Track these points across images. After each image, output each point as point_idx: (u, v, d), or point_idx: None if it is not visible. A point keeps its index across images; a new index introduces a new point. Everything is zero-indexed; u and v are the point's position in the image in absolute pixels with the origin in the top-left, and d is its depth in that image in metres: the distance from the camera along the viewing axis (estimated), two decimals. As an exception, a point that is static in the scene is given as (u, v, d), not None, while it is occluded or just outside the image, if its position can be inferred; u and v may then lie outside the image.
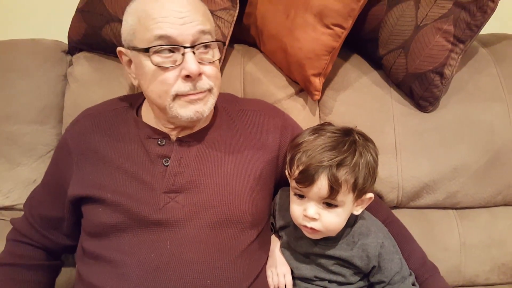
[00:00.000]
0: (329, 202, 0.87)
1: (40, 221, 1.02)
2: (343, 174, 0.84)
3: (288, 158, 0.92)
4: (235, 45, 1.29)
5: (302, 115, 1.20)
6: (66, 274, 1.12)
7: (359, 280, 0.96)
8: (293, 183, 0.89)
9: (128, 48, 0.93)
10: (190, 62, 0.87)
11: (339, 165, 0.84)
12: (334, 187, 0.84)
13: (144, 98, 1.05)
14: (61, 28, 1.25)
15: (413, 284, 0.96)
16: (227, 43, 1.18)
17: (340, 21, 1.10)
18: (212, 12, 1.00)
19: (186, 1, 0.89)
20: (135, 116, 1.01)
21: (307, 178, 0.85)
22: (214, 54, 0.93)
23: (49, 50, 1.26)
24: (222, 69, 1.20)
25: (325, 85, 1.22)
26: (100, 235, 0.92)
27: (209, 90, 0.92)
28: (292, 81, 1.23)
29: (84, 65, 1.23)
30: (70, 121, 1.06)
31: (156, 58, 0.88)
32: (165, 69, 0.88)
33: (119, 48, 0.96)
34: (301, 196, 0.90)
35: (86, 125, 1.01)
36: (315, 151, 0.86)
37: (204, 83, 0.91)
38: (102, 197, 0.92)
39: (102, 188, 0.93)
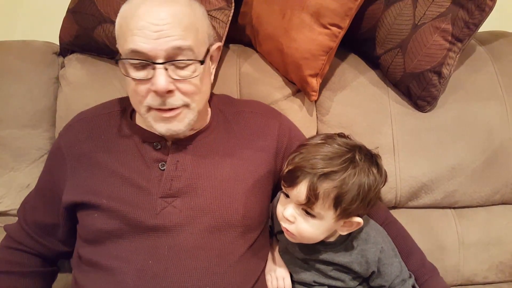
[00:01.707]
0: (307, 210, 0.86)
1: (34, 227, 1.01)
2: (324, 187, 0.82)
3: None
4: (231, 45, 1.27)
5: (299, 116, 1.19)
6: (62, 280, 1.11)
7: (358, 285, 0.96)
8: (282, 181, 0.89)
9: None
10: (159, 79, 0.84)
11: (324, 176, 0.82)
12: (310, 197, 0.83)
13: (139, 101, 1.03)
14: (52, 29, 1.23)
15: (413, 286, 0.96)
16: (222, 43, 1.16)
17: (337, 20, 1.09)
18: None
19: (166, 13, 0.85)
20: (129, 120, 0.99)
21: (290, 179, 0.85)
22: (196, 69, 0.88)
23: (40, 52, 1.24)
24: (217, 69, 1.18)
25: (322, 86, 1.21)
26: (96, 241, 0.91)
27: (186, 106, 0.90)
28: (289, 81, 1.22)
29: (76, 67, 1.21)
30: (63, 124, 1.05)
31: (131, 70, 0.87)
32: (138, 81, 0.87)
33: None
34: (287, 196, 0.89)
35: (80, 130, 0.99)
36: (310, 156, 0.85)
37: (177, 99, 0.88)
38: (97, 203, 0.91)
39: (97, 193, 0.91)
